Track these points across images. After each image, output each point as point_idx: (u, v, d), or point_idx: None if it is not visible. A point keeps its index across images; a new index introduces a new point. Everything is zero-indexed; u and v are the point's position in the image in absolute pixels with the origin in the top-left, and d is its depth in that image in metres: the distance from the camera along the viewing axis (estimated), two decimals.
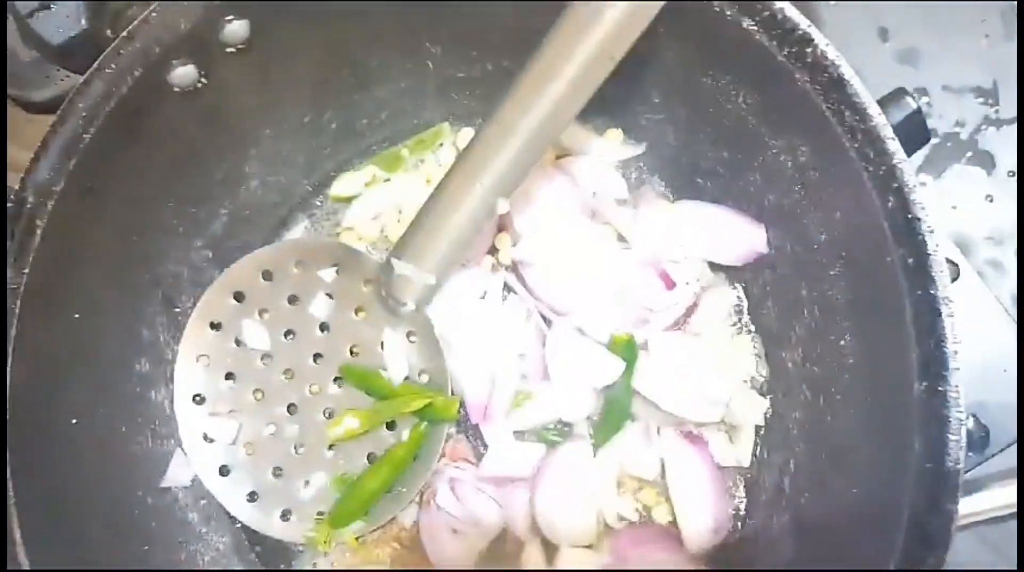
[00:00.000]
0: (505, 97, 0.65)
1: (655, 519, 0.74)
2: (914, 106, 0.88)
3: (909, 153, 0.95)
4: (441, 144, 0.84)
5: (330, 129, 0.82)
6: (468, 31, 0.75)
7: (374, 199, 0.82)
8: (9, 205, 0.69)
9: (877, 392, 0.61)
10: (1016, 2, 1.03)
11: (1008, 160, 1.04)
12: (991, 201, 1.04)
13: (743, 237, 0.74)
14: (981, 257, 1.03)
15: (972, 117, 1.06)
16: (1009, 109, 1.05)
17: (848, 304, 0.64)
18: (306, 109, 0.79)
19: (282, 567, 0.82)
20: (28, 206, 0.68)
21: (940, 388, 0.54)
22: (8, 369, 0.68)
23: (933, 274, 0.55)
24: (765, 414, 0.75)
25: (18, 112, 0.98)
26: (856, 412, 0.64)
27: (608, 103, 0.77)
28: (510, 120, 0.66)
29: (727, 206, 0.75)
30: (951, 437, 0.53)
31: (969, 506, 0.87)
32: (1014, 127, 1.05)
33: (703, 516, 0.72)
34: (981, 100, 1.06)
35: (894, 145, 0.57)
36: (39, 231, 0.68)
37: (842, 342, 0.65)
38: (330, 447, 0.78)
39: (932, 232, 0.55)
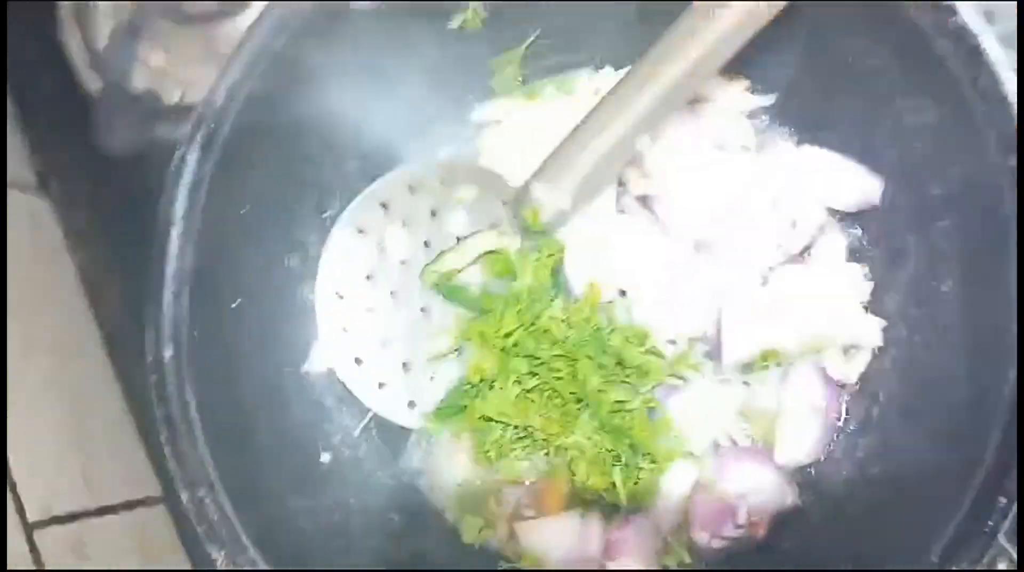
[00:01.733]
0: (653, 50, 0.71)
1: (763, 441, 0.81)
2: None
3: None
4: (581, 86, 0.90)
5: (478, 57, 0.88)
6: None
7: (516, 124, 0.89)
8: (200, 104, 0.77)
9: (973, 334, 0.67)
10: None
11: None
12: None
13: (860, 187, 0.80)
14: None
15: None
16: None
17: (954, 255, 0.70)
18: (459, 38, 0.86)
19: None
20: (219, 104, 0.76)
21: None
22: (185, 250, 0.77)
23: None
24: (884, 334, 0.80)
25: (166, 21, 1.05)
26: (950, 352, 0.71)
27: (743, 56, 0.83)
28: (658, 66, 0.73)
29: (848, 155, 0.81)
30: None
31: None
32: None
33: (801, 439, 0.79)
34: None
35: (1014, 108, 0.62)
36: (226, 128, 0.76)
37: (944, 288, 0.71)
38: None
39: None
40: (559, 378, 0.77)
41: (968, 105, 0.65)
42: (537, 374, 0.78)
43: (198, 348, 0.77)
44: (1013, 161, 0.62)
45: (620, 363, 0.78)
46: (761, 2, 0.67)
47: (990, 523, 0.60)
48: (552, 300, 0.80)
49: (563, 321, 0.78)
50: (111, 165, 1.04)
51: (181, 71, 1.05)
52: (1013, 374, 0.62)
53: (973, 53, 0.64)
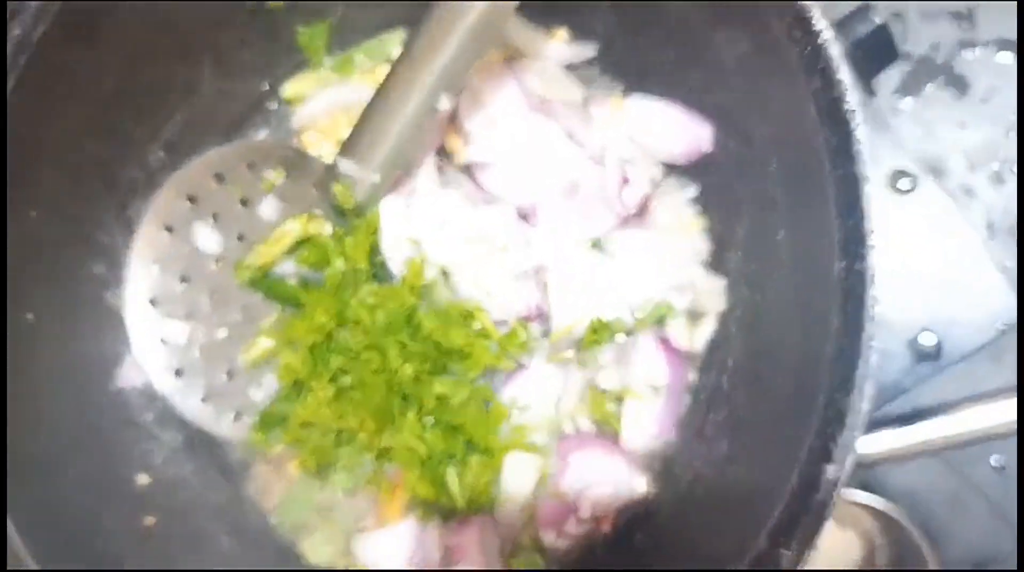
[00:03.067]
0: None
1: (609, 426, 0.74)
2: (878, 21, 0.87)
3: (876, 70, 0.95)
4: (395, 50, 0.83)
5: (284, 34, 0.81)
6: None
7: (325, 101, 0.82)
8: None
9: (805, 281, 0.60)
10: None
11: (981, 85, 1.02)
12: (963, 127, 1.02)
13: (690, 135, 0.74)
14: (955, 181, 1.01)
15: (947, 41, 1.04)
16: (984, 32, 1.04)
17: (783, 199, 0.64)
18: (259, 15, 0.79)
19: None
20: None
21: (857, 266, 0.54)
22: None
23: (854, 153, 0.54)
24: (726, 297, 0.75)
25: None
26: (786, 305, 0.64)
27: (557, 4, 0.76)
28: (447, 18, 0.66)
29: (675, 104, 0.74)
30: (865, 314, 0.53)
31: (924, 433, 0.87)
32: (989, 50, 1.03)
33: (648, 421, 0.72)
34: (956, 24, 1.04)
35: (820, 24, 0.56)
36: None
37: (778, 237, 0.64)
38: None
39: (855, 112, 0.55)
40: (373, 372, 0.69)
41: (771, 26, 0.58)
42: (350, 371, 0.70)
43: None
44: (817, 82, 0.56)
45: (438, 349, 0.70)
46: None
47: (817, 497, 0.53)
48: (361, 285, 0.72)
49: (374, 307, 0.70)
50: None
51: None
52: (835, 332, 0.54)
53: None
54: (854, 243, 0.54)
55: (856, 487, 0.96)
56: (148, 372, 0.78)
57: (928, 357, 0.78)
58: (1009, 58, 1.03)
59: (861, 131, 0.54)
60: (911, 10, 1.04)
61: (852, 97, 0.55)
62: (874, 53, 0.90)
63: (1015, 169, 1.01)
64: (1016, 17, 1.02)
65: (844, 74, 0.55)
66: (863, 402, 0.53)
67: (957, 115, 1.02)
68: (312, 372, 0.71)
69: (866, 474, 0.95)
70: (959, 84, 1.03)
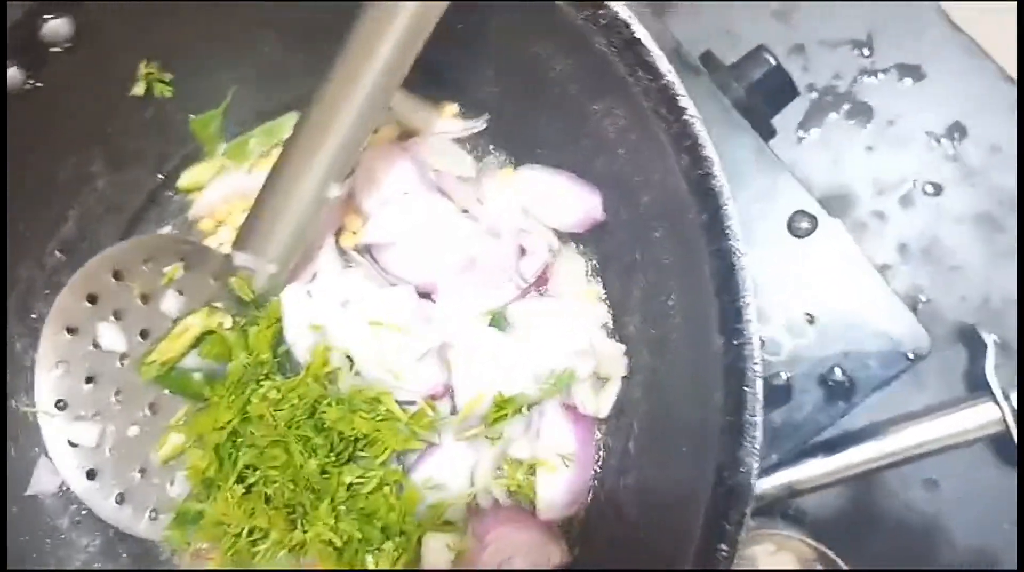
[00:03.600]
0: (323, 82, 0.65)
1: (523, 496, 0.74)
2: (773, 62, 0.88)
3: (777, 108, 0.96)
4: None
5: (176, 122, 0.81)
6: (295, 20, 0.75)
7: (222, 189, 0.81)
8: None
9: (693, 349, 0.61)
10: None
11: (885, 109, 1.04)
12: (871, 151, 1.04)
13: (582, 204, 0.74)
14: (865, 208, 1.03)
15: (848, 69, 1.06)
16: (883, 59, 1.05)
17: (671, 265, 0.64)
18: (148, 105, 0.78)
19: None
20: None
21: (736, 341, 0.54)
22: None
23: (725, 229, 0.55)
24: (628, 361, 0.75)
25: None
26: (682, 370, 0.64)
27: (446, 79, 0.76)
28: (329, 106, 0.66)
29: (565, 174, 0.74)
30: (747, 390, 0.53)
31: (838, 462, 0.88)
32: (889, 76, 1.05)
33: (561, 491, 0.72)
34: (857, 52, 1.06)
35: (686, 102, 0.56)
36: None
37: (670, 302, 0.65)
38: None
39: (723, 188, 0.55)
40: (279, 468, 0.68)
41: (639, 102, 0.58)
42: (258, 467, 0.69)
43: None
44: (686, 159, 0.56)
45: (344, 438, 0.69)
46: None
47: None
48: (263, 379, 0.71)
49: (278, 401, 0.69)
50: None
51: None
52: (720, 394, 0.55)
53: (628, 46, 0.57)
54: (731, 320, 0.54)
55: (790, 513, 0.97)
56: (62, 475, 0.77)
57: (841, 394, 0.79)
58: (909, 83, 1.05)
59: (731, 207, 0.54)
60: (810, 42, 1.06)
61: (720, 173, 0.55)
62: (773, 93, 0.92)
63: (926, 189, 1.03)
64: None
65: (710, 151, 0.55)
66: (751, 478, 0.53)
67: (863, 141, 1.04)
68: (219, 471, 0.70)
69: (799, 501, 0.96)
70: (863, 111, 1.04)
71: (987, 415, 0.91)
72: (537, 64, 0.67)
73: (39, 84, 0.71)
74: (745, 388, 0.53)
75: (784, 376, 0.80)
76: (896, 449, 0.93)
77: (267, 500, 0.69)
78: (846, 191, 1.03)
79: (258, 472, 0.70)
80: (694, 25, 1.04)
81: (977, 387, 0.94)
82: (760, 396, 0.53)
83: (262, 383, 0.71)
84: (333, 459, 0.69)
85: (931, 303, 0.99)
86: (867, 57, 1.05)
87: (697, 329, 0.59)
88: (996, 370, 0.94)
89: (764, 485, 0.85)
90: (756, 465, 0.53)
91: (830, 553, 0.83)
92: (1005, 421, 0.91)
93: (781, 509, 0.97)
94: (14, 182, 0.75)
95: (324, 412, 0.69)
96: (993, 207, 1.01)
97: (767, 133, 0.96)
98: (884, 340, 0.80)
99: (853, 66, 1.05)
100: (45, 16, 0.68)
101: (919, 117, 1.03)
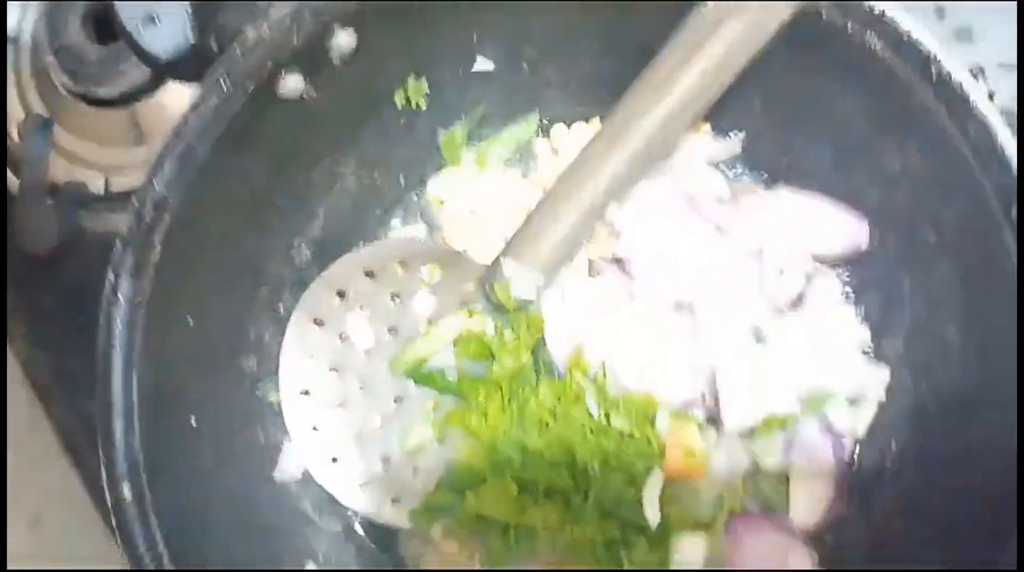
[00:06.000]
0: (622, 104, 0.66)
1: (776, 505, 0.77)
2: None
3: None
4: (532, 141, 0.85)
5: (426, 131, 0.83)
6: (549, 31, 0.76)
7: (467, 197, 0.83)
8: (127, 222, 0.70)
9: (983, 384, 0.63)
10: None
11: None
12: None
13: (845, 230, 0.76)
14: None
15: None
16: None
17: (954, 301, 0.66)
18: (402, 114, 0.81)
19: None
20: (146, 222, 0.69)
21: None
22: (135, 378, 0.71)
23: None
24: (887, 386, 0.77)
25: (80, 105, 0.98)
26: (961, 399, 0.67)
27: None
28: (626, 127, 0.67)
29: (829, 199, 0.76)
30: None
31: None
32: None
33: (813, 503, 0.75)
34: None
35: (1009, 149, 0.58)
36: (157, 247, 0.69)
37: (946, 335, 0.67)
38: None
39: None
40: (555, 467, 0.72)
41: (959, 155, 0.60)
42: (530, 466, 0.73)
43: (158, 478, 0.71)
44: (1014, 213, 0.58)
45: (621, 442, 0.73)
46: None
47: None
48: (535, 384, 0.75)
49: (554, 406, 0.73)
50: (40, 265, 0.96)
51: (103, 157, 0.97)
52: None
53: (959, 104, 0.59)
54: None
55: None
56: (305, 461, 0.81)
57: None
58: None
59: None
60: (990, 64, 1.05)
61: None
62: None
63: None
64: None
65: None
66: None
67: None
68: (492, 466, 0.73)
69: None
70: None
71: None
72: (819, 98, 0.69)
73: (317, 90, 0.72)
74: None
75: None
76: None
77: (540, 498, 0.72)
78: None
79: (530, 470, 0.73)
80: None
81: None
82: None
83: (535, 386, 0.74)
84: (611, 461, 0.72)
85: None
86: None
87: (989, 364, 0.61)
88: None
89: None
90: None
91: None
92: None
93: None
94: (273, 181, 0.77)
95: (608, 415, 0.72)
96: None
97: None
98: None
99: None
100: (337, 29, 0.69)
101: None
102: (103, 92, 0.95)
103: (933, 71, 0.60)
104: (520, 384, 0.75)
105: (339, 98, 0.75)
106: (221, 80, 0.67)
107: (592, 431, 0.72)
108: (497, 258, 0.75)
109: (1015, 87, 1.05)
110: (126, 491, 0.70)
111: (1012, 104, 1.04)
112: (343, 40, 0.70)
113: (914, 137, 0.64)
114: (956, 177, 0.61)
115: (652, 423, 0.73)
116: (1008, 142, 0.58)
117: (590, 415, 0.73)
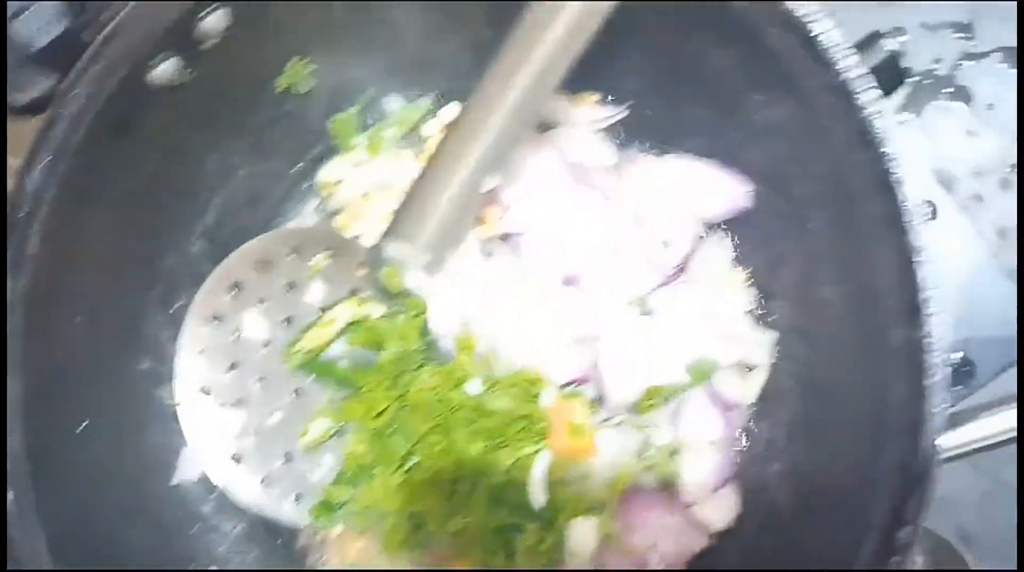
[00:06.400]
0: (484, 77, 0.66)
1: (668, 480, 0.76)
2: (887, 50, 0.88)
3: (886, 95, 0.96)
4: (424, 121, 0.84)
5: (315, 116, 0.82)
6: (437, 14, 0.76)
7: (360, 182, 0.83)
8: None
9: (860, 341, 0.62)
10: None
11: (986, 93, 1.04)
12: (972, 135, 1.04)
13: (729, 192, 0.75)
14: (965, 191, 1.03)
15: (949, 53, 1.06)
16: (985, 42, 1.05)
17: (829, 256, 0.65)
18: (289, 98, 0.80)
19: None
20: (22, 214, 0.68)
21: (917, 335, 0.55)
22: (9, 379, 0.69)
23: (905, 225, 0.56)
24: (776, 349, 0.76)
25: None
26: (842, 361, 0.65)
27: (590, 71, 0.77)
28: (491, 98, 0.67)
29: (711, 162, 0.76)
30: (930, 382, 0.55)
31: (960, 437, 0.90)
32: (991, 60, 1.05)
33: (704, 475, 0.73)
34: (958, 35, 1.06)
35: (866, 97, 0.57)
36: (35, 238, 0.68)
37: (825, 293, 0.66)
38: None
39: (903, 184, 0.56)
40: (439, 454, 0.70)
41: (812, 100, 0.60)
42: (415, 453, 0.71)
43: (43, 481, 0.69)
44: (863, 155, 0.57)
45: (506, 422, 0.71)
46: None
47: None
48: (419, 367, 0.73)
49: (435, 388, 0.71)
50: None
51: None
52: (900, 386, 0.56)
53: (808, 43, 0.58)
54: (913, 313, 0.55)
55: None
56: (205, 462, 0.79)
57: (961, 379, 0.80)
58: (1010, 66, 1.05)
59: (910, 203, 0.56)
60: (912, 25, 1.06)
61: (900, 169, 0.56)
62: (882, 80, 0.92)
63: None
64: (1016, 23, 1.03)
65: (891, 146, 0.56)
66: (934, 468, 0.54)
67: (963, 124, 1.04)
68: (379, 457, 0.72)
69: None
70: (963, 94, 1.05)
71: None
72: (690, 55, 0.68)
73: (193, 77, 0.72)
74: (927, 381, 0.55)
75: None
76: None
77: (427, 485, 0.71)
78: (945, 175, 1.03)
79: (417, 458, 0.71)
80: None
81: None
82: (946, 385, 0.54)
83: (418, 371, 0.73)
84: (495, 443, 0.70)
85: None
86: (969, 40, 1.05)
87: (865, 321, 0.60)
88: None
89: None
90: (939, 453, 0.54)
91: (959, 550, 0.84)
92: None
93: None
94: (162, 174, 0.76)
95: (488, 394, 0.70)
96: None
97: None
98: (1005, 326, 0.81)
99: (954, 49, 1.05)
100: (207, 8, 0.69)
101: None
102: (16, 100, 0.94)
103: (782, 10, 0.59)
104: (404, 370, 0.73)
105: (221, 85, 0.74)
106: (90, 67, 0.67)
107: (473, 413, 0.70)
108: (380, 241, 0.74)
109: (935, 51, 1.05)
110: (9, 496, 0.68)
111: (933, 66, 1.04)
112: (216, 20, 0.70)
113: (779, 90, 0.63)
114: (812, 125, 0.60)
115: (537, 401, 0.72)
116: (857, 81, 0.57)
117: (471, 397, 0.71)
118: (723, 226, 0.79)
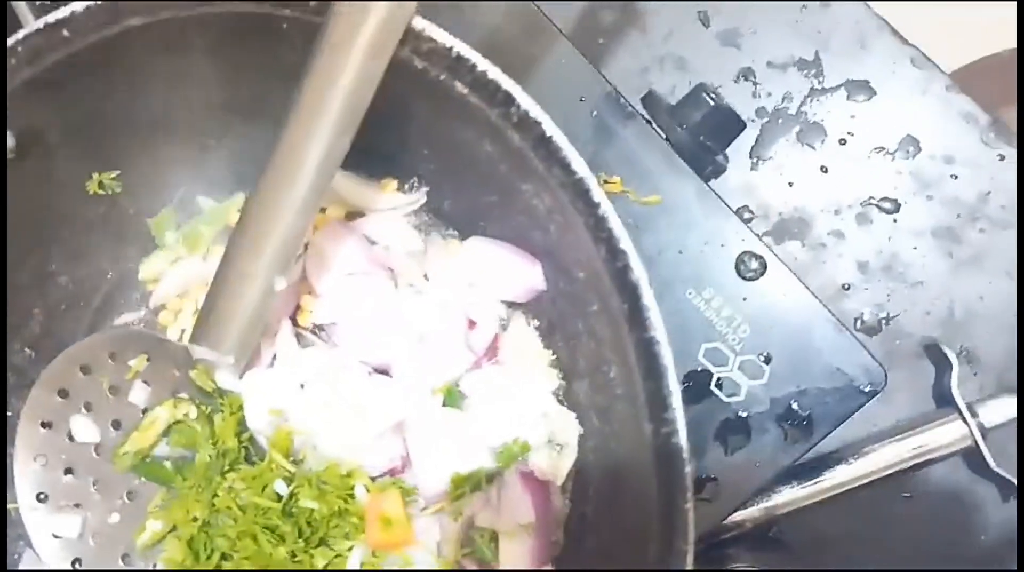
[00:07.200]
0: (257, 183, 0.66)
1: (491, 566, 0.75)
2: (711, 103, 0.89)
3: (726, 143, 0.97)
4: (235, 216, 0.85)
5: (129, 215, 0.83)
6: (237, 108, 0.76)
7: (178, 278, 0.83)
8: None
9: (633, 427, 0.62)
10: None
11: (836, 128, 1.05)
12: (825, 171, 1.04)
13: (524, 274, 0.75)
14: (823, 228, 1.04)
15: (798, 90, 1.06)
16: (832, 77, 1.06)
17: (606, 339, 0.65)
18: (100, 202, 0.80)
19: None
20: None
21: (663, 430, 0.56)
22: None
23: (644, 321, 0.56)
24: (579, 427, 0.76)
25: None
26: (627, 442, 0.66)
27: (382, 156, 0.78)
28: (265, 202, 0.67)
29: (507, 245, 0.76)
30: (678, 476, 0.55)
31: (796, 493, 0.90)
32: (839, 94, 1.06)
33: (524, 560, 0.73)
34: (804, 72, 1.06)
35: (599, 196, 0.57)
36: None
37: (611, 374, 0.66)
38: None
39: (639, 280, 0.56)
40: (248, 558, 0.71)
41: (557, 194, 0.60)
42: (229, 559, 0.71)
43: None
44: (604, 250, 0.57)
45: (312, 522, 0.71)
46: None
47: None
48: (228, 470, 0.74)
49: (243, 491, 0.72)
50: None
51: None
52: (658, 476, 0.56)
53: (541, 143, 0.59)
54: (658, 408, 0.56)
55: (770, 536, 0.98)
56: (47, 565, 0.79)
57: (799, 433, 0.80)
58: (859, 100, 1.05)
59: (648, 298, 0.56)
60: (759, 65, 1.06)
61: (637, 265, 0.56)
62: (717, 130, 0.92)
63: (883, 206, 1.04)
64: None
65: (626, 244, 0.56)
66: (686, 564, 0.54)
67: (817, 161, 1.05)
68: (195, 562, 0.72)
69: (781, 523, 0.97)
70: (815, 131, 1.05)
71: (957, 431, 0.93)
72: (465, 145, 0.68)
73: None
74: (676, 474, 0.55)
75: (743, 414, 0.81)
76: (870, 470, 0.95)
77: None
78: (802, 214, 1.04)
79: (232, 563, 0.71)
80: (637, 55, 1.05)
81: (945, 402, 0.96)
82: (689, 484, 0.54)
83: (227, 475, 0.73)
84: (303, 544, 0.70)
85: (895, 320, 1.00)
86: (816, 76, 1.06)
87: (631, 409, 0.60)
88: (962, 382, 0.96)
89: (740, 515, 0.88)
90: (689, 550, 0.54)
91: None
92: (973, 437, 0.93)
93: (761, 533, 0.98)
94: None
95: (294, 495, 0.70)
96: (951, 219, 1.02)
97: (718, 169, 0.97)
98: (839, 377, 0.81)
99: (803, 86, 1.06)
100: None
101: (871, 133, 1.04)
102: None
103: (514, 113, 0.59)
104: (215, 472, 0.73)
105: (25, 196, 0.75)
106: None
107: (278, 518, 0.71)
108: (188, 344, 0.74)
109: (783, 89, 1.06)
110: None
111: (784, 105, 1.05)
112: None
113: (535, 183, 0.64)
114: (576, 230, 0.60)
115: (351, 496, 0.72)
116: (588, 179, 0.57)
117: (278, 498, 0.71)
118: (525, 309, 0.79)
